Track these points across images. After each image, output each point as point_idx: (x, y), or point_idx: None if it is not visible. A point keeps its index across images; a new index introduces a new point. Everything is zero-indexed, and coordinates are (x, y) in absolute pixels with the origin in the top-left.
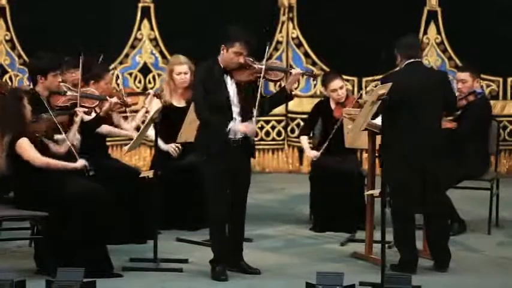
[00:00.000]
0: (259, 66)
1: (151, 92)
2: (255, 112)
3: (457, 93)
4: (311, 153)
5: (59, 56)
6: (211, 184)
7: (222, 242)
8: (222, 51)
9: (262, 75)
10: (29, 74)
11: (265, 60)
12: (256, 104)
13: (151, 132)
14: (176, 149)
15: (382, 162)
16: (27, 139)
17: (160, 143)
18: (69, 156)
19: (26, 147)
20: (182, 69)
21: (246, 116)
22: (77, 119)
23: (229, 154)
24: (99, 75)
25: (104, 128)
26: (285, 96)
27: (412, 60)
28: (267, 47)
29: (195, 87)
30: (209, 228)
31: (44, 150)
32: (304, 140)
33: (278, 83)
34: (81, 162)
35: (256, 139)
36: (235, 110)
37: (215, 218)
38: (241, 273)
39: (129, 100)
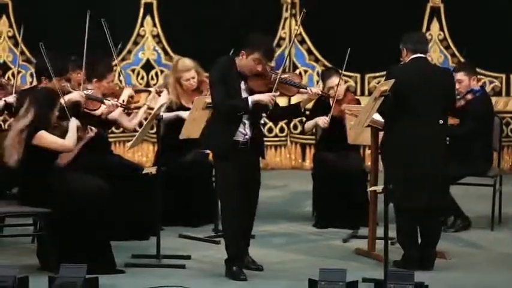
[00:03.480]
0: (275, 77)
1: (152, 90)
2: (275, 84)
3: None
4: (321, 120)
5: (66, 61)
6: (223, 187)
7: (237, 242)
8: (241, 57)
9: (275, 87)
10: (35, 72)
11: (280, 72)
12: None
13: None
14: None
15: (383, 158)
16: (43, 131)
17: (182, 113)
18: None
19: (47, 137)
20: (190, 75)
21: (254, 121)
22: (87, 136)
23: (238, 155)
24: (102, 74)
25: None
26: (297, 112)
27: (418, 55)
28: (285, 58)
29: (214, 84)
30: (223, 228)
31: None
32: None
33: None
34: (73, 122)
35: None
36: (246, 115)
37: (228, 220)
38: (244, 268)
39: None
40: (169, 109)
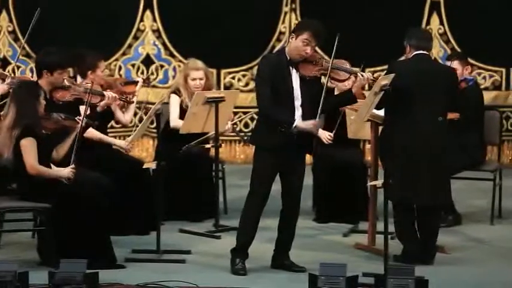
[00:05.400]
0: (326, 63)
1: (139, 79)
2: (319, 110)
3: None
4: (324, 136)
5: (68, 54)
6: (256, 176)
7: (249, 235)
8: (290, 40)
9: (328, 73)
10: (35, 68)
11: (332, 58)
12: (321, 102)
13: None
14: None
15: (382, 153)
16: (34, 139)
17: None
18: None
19: (28, 149)
20: (198, 75)
21: (306, 110)
22: (77, 127)
23: (284, 150)
24: (94, 64)
25: (94, 135)
26: (348, 98)
27: (420, 52)
28: (336, 40)
29: (260, 82)
30: (241, 217)
31: (48, 151)
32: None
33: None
34: (65, 172)
35: None
36: (297, 103)
37: (250, 209)
38: (287, 271)
39: (126, 90)
40: (180, 108)
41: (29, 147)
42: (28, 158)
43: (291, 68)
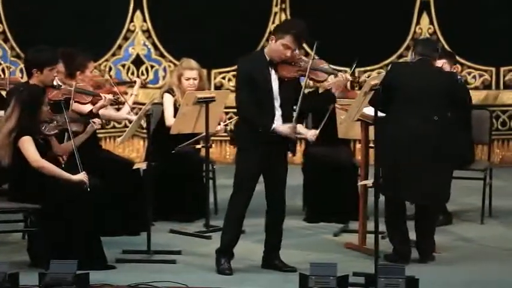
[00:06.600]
0: (305, 64)
1: (137, 79)
2: (295, 114)
3: None
4: (309, 133)
5: (57, 51)
6: (239, 175)
7: (234, 235)
8: (270, 41)
9: (307, 74)
10: (25, 67)
11: (311, 58)
12: (299, 102)
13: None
14: None
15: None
16: (31, 138)
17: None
18: (70, 163)
19: (27, 146)
20: (192, 74)
21: (286, 111)
22: (90, 130)
23: (267, 148)
24: (83, 64)
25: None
26: (328, 98)
27: (421, 57)
28: (315, 46)
29: (239, 86)
30: (225, 217)
31: (46, 148)
32: (299, 126)
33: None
34: (79, 177)
35: None
36: (277, 103)
37: (234, 209)
38: (278, 271)
39: (116, 90)
40: (174, 107)
41: (26, 144)
42: (29, 153)
43: (270, 68)
